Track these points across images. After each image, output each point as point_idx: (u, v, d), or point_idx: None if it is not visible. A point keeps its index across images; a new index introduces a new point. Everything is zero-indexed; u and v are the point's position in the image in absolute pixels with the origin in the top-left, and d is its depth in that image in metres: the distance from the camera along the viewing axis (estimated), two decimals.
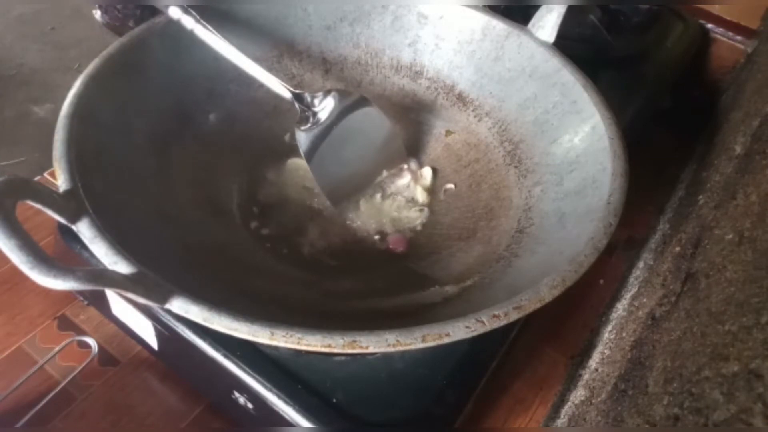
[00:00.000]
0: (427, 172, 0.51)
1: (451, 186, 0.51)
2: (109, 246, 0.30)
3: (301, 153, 0.44)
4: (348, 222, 0.48)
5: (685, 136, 0.73)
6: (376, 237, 0.47)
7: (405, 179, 0.50)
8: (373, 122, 0.47)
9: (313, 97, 0.45)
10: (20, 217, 0.27)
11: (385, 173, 0.50)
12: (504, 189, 0.48)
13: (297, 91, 0.45)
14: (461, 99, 0.53)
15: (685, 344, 0.30)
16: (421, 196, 0.50)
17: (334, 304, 0.42)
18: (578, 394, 0.46)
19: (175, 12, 0.42)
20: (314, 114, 0.45)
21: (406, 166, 0.51)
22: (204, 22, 0.43)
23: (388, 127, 0.49)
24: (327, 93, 0.45)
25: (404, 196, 0.50)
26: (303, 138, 0.44)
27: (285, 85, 0.44)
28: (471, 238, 0.46)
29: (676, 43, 0.71)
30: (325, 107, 0.45)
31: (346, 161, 0.47)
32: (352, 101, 0.46)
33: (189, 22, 0.43)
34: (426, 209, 0.49)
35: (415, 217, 0.48)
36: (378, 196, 0.49)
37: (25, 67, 0.79)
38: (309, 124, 0.45)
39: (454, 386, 0.40)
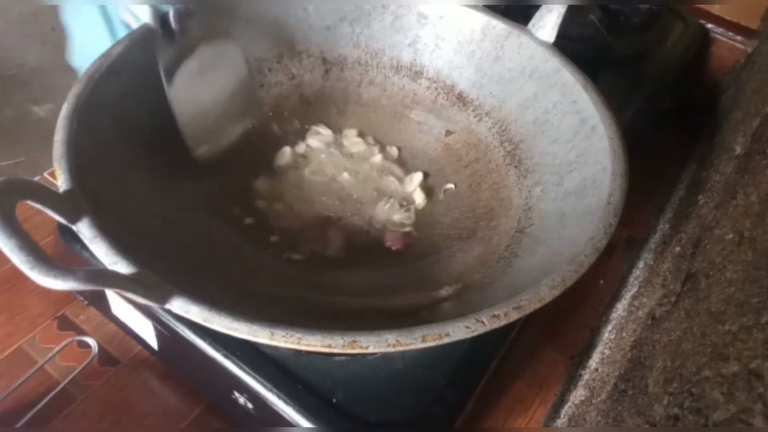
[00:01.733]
0: (416, 177, 0.51)
1: (450, 186, 0.51)
2: (109, 246, 0.30)
3: (161, 72, 0.41)
4: (348, 222, 0.48)
5: (685, 136, 0.73)
6: (373, 234, 0.47)
7: (396, 182, 0.51)
8: (233, 63, 0.46)
9: (178, 15, 0.42)
10: (20, 217, 0.27)
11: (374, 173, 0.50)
12: (504, 189, 0.48)
13: (160, 12, 0.41)
14: (461, 99, 0.53)
15: (685, 344, 0.30)
16: (418, 197, 0.50)
17: (334, 304, 0.42)
18: (578, 394, 0.46)
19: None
20: (178, 32, 0.42)
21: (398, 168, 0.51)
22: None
23: (245, 72, 0.47)
24: (195, 21, 0.43)
25: (396, 198, 0.50)
26: (166, 54, 0.41)
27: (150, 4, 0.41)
28: (471, 238, 0.46)
29: (676, 43, 0.71)
30: (189, 31, 0.43)
31: (204, 99, 0.44)
32: (215, 31, 0.44)
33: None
34: (412, 209, 0.49)
35: (403, 218, 0.48)
36: (374, 195, 0.49)
37: (25, 67, 0.79)
38: (171, 43, 0.42)
39: (454, 386, 0.40)
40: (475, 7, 0.51)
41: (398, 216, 0.48)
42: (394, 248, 0.46)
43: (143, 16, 0.41)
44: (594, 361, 0.49)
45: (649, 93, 0.65)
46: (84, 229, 0.31)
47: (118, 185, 0.38)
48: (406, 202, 0.49)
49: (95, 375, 0.48)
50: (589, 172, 0.41)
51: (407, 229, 0.48)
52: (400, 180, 0.51)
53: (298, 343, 0.28)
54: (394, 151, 0.53)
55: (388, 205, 0.49)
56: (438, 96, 0.54)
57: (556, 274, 0.32)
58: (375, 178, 0.51)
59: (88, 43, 0.48)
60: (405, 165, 0.53)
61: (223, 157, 0.47)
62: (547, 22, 0.48)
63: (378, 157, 0.52)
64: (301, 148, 0.52)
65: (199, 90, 0.44)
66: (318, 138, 0.53)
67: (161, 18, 0.41)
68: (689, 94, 0.78)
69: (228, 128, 0.47)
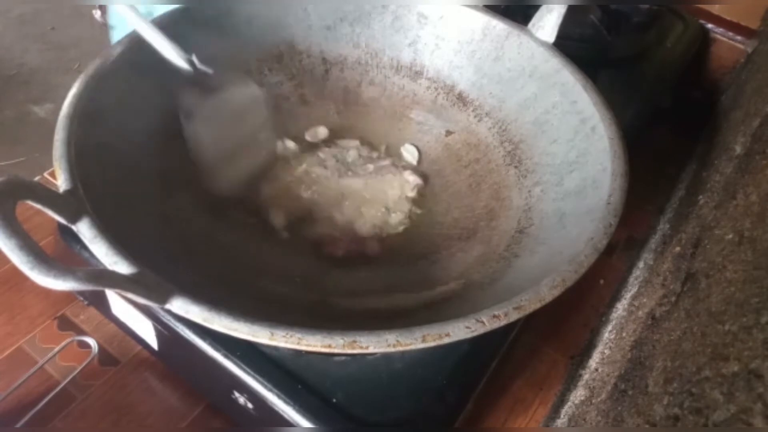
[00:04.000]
0: (413, 180, 0.51)
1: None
2: (109, 246, 0.30)
3: (180, 112, 0.42)
4: (348, 223, 0.48)
5: (685, 136, 0.73)
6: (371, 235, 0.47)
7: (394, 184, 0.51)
8: (252, 106, 0.46)
9: (201, 61, 0.43)
10: (20, 217, 0.27)
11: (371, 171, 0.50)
12: (504, 189, 0.48)
13: (187, 55, 0.42)
14: (461, 99, 0.53)
15: (685, 344, 0.30)
16: (409, 201, 0.50)
17: (335, 304, 0.42)
18: (578, 394, 0.46)
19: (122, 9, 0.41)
20: (201, 78, 0.43)
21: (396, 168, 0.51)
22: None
23: (266, 117, 0.48)
24: (216, 66, 0.44)
25: (393, 201, 0.50)
26: (185, 95, 0.42)
27: (175, 46, 0.42)
28: (471, 238, 0.46)
29: (676, 43, 0.71)
30: (213, 76, 0.43)
31: (221, 138, 0.45)
32: (238, 76, 0.45)
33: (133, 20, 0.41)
34: (407, 211, 0.49)
35: (401, 220, 0.48)
36: (374, 196, 0.49)
37: (25, 67, 0.79)
38: (193, 85, 0.43)
39: (454, 386, 0.40)
40: (475, 7, 0.51)
41: (395, 218, 0.48)
42: (371, 253, 0.46)
43: (177, 61, 0.42)
44: (594, 361, 0.49)
45: (649, 93, 0.65)
46: (84, 229, 0.31)
47: (119, 185, 0.38)
48: (402, 204, 0.49)
49: (95, 375, 0.48)
50: (589, 172, 0.41)
51: (401, 228, 0.48)
52: (398, 182, 0.51)
53: (298, 343, 0.28)
54: (397, 151, 0.53)
55: (383, 208, 0.49)
56: (438, 96, 0.54)
57: (556, 274, 0.32)
58: (374, 180, 0.51)
59: None
60: (405, 166, 0.53)
61: (238, 190, 0.47)
62: (547, 22, 0.48)
63: (378, 162, 0.52)
64: (300, 153, 0.52)
65: (219, 129, 0.44)
66: (316, 138, 0.53)
67: (190, 62, 0.42)
68: (689, 94, 0.78)
69: (245, 164, 0.48)
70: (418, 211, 0.49)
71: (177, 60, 0.42)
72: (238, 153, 0.46)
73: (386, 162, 0.52)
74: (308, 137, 0.53)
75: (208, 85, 0.43)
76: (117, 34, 0.54)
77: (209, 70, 0.43)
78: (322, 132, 0.53)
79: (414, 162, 0.53)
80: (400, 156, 0.53)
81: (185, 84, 0.42)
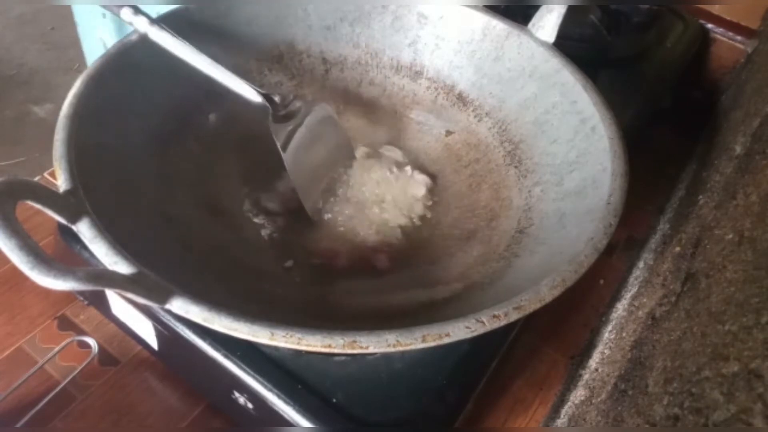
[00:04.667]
0: (422, 180, 0.51)
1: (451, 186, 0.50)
2: (109, 246, 0.30)
3: (278, 145, 0.45)
4: (348, 224, 0.48)
5: (685, 136, 0.73)
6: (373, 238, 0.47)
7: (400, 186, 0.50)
8: (332, 128, 0.50)
9: (282, 98, 0.47)
10: (20, 217, 0.27)
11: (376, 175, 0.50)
12: (504, 189, 0.48)
13: (266, 93, 0.45)
14: (461, 99, 0.53)
15: (685, 344, 0.30)
16: (420, 203, 0.50)
17: (335, 304, 0.42)
18: (578, 394, 0.46)
19: (126, 14, 0.42)
20: (285, 112, 0.47)
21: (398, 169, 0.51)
22: (163, 26, 0.42)
23: (344, 134, 0.51)
24: (294, 96, 0.48)
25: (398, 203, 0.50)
26: (278, 130, 0.45)
27: (254, 87, 0.45)
28: (471, 238, 0.46)
29: (676, 43, 0.71)
30: (292, 107, 0.47)
31: (312, 161, 0.48)
32: (316, 106, 0.48)
33: (142, 24, 0.42)
34: (415, 214, 0.49)
35: (406, 222, 0.48)
36: (369, 200, 0.49)
37: (25, 67, 0.79)
38: (281, 121, 0.46)
39: (454, 386, 0.40)
40: (475, 7, 0.51)
41: (402, 221, 0.48)
42: (380, 266, 0.45)
43: (256, 98, 0.45)
44: (594, 361, 0.49)
45: (649, 93, 0.65)
46: (84, 229, 0.31)
47: (119, 185, 0.38)
48: (409, 207, 0.49)
49: (95, 375, 0.48)
50: (589, 172, 0.41)
51: (409, 228, 0.48)
52: (405, 184, 0.51)
53: (298, 343, 0.28)
54: (397, 154, 0.53)
55: (389, 211, 0.48)
56: (438, 96, 0.54)
57: (556, 274, 0.32)
58: (378, 182, 0.51)
59: None
60: (407, 166, 0.52)
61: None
62: (547, 22, 0.48)
63: (383, 165, 0.52)
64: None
65: (308, 158, 0.48)
66: None
67: (269, 99, 0.45)
68: (689, 94, 0.78)
69: (329, 181, 0.51)
70: (429, 215, 0.49)
71: (253, 96, 0.45)
72: (326, 170, 0.50)
73: (392, 163, 0.52)
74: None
75: (295, 118, 0.47)
76: (83, 31, 0.55)
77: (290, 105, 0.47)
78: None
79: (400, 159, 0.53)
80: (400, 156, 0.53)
81: (277, 122, 0.46)
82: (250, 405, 0.40)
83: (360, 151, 0.52)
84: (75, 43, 0.83)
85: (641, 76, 0.66)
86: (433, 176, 0.51)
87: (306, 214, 0.47)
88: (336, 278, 0.44)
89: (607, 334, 0.51)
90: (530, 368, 0.52)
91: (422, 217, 0.49)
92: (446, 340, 0.29)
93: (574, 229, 0.38)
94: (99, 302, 0.48)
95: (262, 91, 0.45)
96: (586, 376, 0.48)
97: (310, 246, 0.46)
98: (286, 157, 0.45)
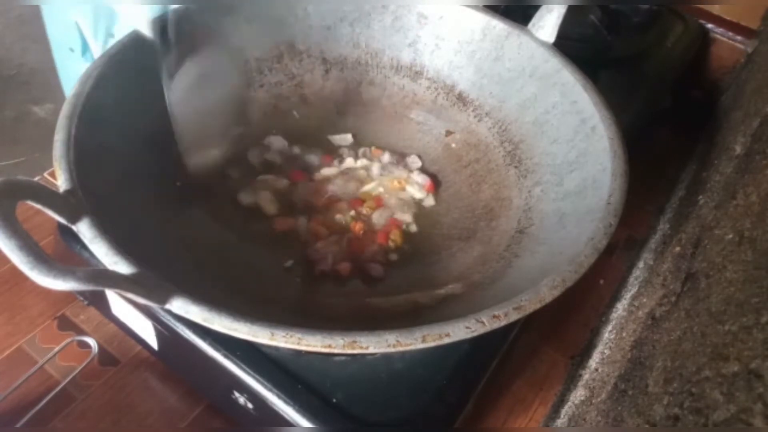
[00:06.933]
0: (422, 179, 0.51)
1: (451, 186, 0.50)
2: (109, 246, 0.30)
3: (162, 76, 0.41)
4: (347, 223, 0.48)
5: (685, 136, 0.73)
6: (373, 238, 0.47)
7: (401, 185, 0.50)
8: (227, 69, 0.46)
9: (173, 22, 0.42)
10: (20, 217, 0.27)
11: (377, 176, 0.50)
12: (504, 189, 0.48)
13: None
14: (461, 99, 0.53)
15: (685, 344, 0.30)
16: (426, 200, 0.50)
17: (335, 304, 0.42)
18: (578, 394, 0.46)
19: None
20: (173, 41, 0.42)
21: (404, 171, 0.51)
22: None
23: (237, 80, 0.47)
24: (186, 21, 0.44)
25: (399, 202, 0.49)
26: (164, 58, 0.41)
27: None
28: (471, 238, 0.46)
29: (676, 43, 0.71)
30: (186, 38, 0.43)
31: (199, 104, 0.44)
32: (211, 37, 0.45)
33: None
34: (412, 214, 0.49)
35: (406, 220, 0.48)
36: (376, 199, 0.49)
37: (25, 67, 0.79)
38: (169, 51, 0.42)
39: (454, 386, 0.40)
40: (475, 7, 0.51)
41: (403, 217, 0.48)
42: (374, 275, 0.45)
43: (141, 27, 0.41)
44: (594, 361, 0.49)
45: (649, 93, 0.65)
46: (84, 229, 0.31)
47: (119, 185, 0.38)
48: (409, 207, 0.49)
49: (95, 375, 0.48)
50: (589, 172, 0.41)
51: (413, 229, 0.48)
52: (405, 183, 0.51)
53: (298, 344, 0.28)
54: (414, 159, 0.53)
55: (389, 209, 0.48)
56: (438, 96, 0.54)
57: (556, 274, 0.32)
58: (378, 182, 0.51)
59: None
60: (408, 167, 0.52)
61: (212, 174, 0.46)
62: (547, 22, 0.48)
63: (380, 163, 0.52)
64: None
65: (196, 96, 0.43)
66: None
67: (160, 25, 0.41)
68: (689, 94, 0.78)
69: (220, 136, 0.47)
70: (429, 215, 0.49)
71: (148, 29, 0.41)
72: (214, 122, 0.45)
73: (393, 163, 0.52)
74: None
75: (185, 51, 0.42)
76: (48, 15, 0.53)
77: (180, 34, 0.42)
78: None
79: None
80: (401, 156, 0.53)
81: (163, 51, 0.41)
82: (250, 405, 0.40)
83: (366, 153, 0.52)
84: None
85: (641, 76, 0.66)
86: (433, 176, 0.51)
87: (307, 211, 0.47)
88: (336, 279, 0.44)
89: (607, 334, 0.51)
90: (530, 368, 0.52)
91: (422, 217, 0.49)
92: (446, 340, 0.29)
93: (574, 229, 0.38)
94: (99, 302, 0.48)
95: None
96: (586, 376, 0.48)
97: (310, 241, 0.46)
98: (171, 95, 0.41)
